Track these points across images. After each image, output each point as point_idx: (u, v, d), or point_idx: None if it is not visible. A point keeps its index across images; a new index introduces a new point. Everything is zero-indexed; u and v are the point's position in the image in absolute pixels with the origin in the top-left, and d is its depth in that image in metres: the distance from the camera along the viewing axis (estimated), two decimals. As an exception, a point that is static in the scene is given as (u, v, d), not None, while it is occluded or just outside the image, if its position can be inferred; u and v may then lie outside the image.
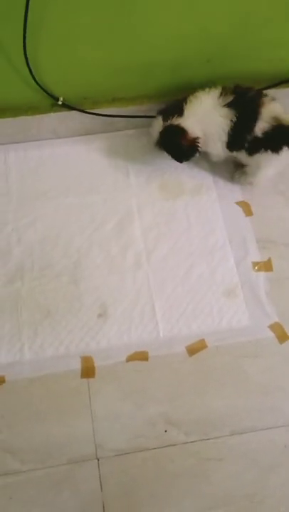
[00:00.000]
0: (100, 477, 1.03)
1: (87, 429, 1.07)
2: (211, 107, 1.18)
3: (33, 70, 1.16)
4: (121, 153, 1.36)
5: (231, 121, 1.17)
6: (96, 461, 1.05)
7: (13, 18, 1.03)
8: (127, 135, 1.40)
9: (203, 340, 1.16)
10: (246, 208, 1.34)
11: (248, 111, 1.17)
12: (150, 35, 1.17)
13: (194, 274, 1.25)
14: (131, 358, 1.14)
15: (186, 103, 1.20)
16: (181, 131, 1.20)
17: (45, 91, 1.23)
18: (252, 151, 1.21)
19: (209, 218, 1.33)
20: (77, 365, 1.13)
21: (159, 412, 1.10)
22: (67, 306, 1.18)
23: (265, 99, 1.18)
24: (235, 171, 1.36)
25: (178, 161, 1.28)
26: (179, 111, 1.19)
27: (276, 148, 1.19)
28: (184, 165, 1.36)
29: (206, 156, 1.31)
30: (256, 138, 1.18)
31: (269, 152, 1.20)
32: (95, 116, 1.32)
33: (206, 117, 1.19)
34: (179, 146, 1.22)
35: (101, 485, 1.03)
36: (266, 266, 1.25)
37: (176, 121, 1.19)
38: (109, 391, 1.11)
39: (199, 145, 1.22)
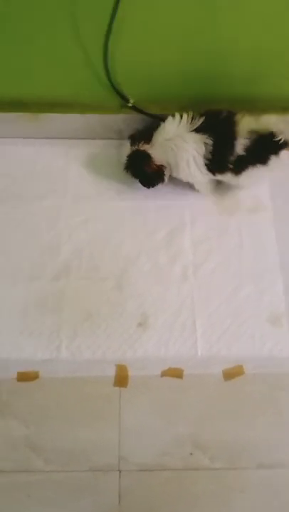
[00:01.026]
0: (119, 489, 1.02)
1: (113, 438, 1.06)
2: (178, 134, 1.16)
3: (109, 69, 1.15)
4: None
5: (206, 144, 1.14)
6: (118, 472, 1.03)
7: (100, 15, 1.02)
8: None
9: (241, 366, 1.13)
10: (302, 234, 1.29)
11: (223, 132, 1.14)
12: (229, 43, 1.14)
13: (240, 295, 1.21)
14: (165, 374, 1.12)
15: (155, 130, 1.19)
16: (146, 158, 1.19)
17: (118, 91, 1.22)
18: (239, 170, 1.19)
19: (262, 239, 1.29)
20: (111, 372, 1.12)
21: (187, 432, 1.07)
22: (109, 311, 1.17)
23: (238, 117, 1.15)
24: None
25: (144, 186, 1.27)
26: (148, 137, 1.19)
27: (263, 160, 1.16)
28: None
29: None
30: (240, 156, 1.15)
31: (258, 166, 1.17)
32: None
33: (173, 144, 1.17)
34: (144, 172, 1.21)
35: (120, 498, 1.01)
36: (316, 298, 1.21)
37: (143, 147, 1.19)
38: (139, 403, 1.09)
39: (164, 173, 1.20)
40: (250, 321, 1.18)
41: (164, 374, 1.12)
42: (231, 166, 1.18)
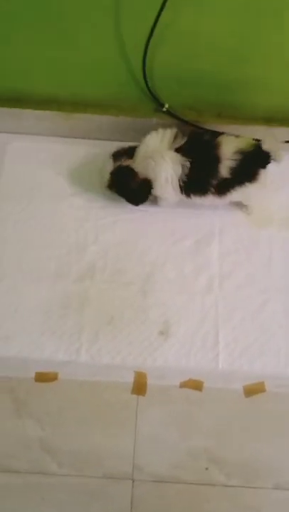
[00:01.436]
0: (132, 499, 1.01)
1: (128, 446, 1.05)
2: (158, 150, 1.14)
3: (146, 73, 1.14)
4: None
5: (184, 166, 1.12)
6: (131, 481, 1.02)
7: (143, 19, 1.01)
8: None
9: (262, 383, 1.11)
10: None
11: (205, 156, 1.12)
12: (271, 54, 1.12)
13: (266, 311, 1.19)
14: (185, 385, 1.10)
15: (138, 145, 1.17)
16: (131, 173, 1.16)
17: (153, 95, 1.21)
18: (223, 192, 1.17)
19: (292, 256, 1.26)
20: (130, 379, 1.10)
21: (203, 446, 1.06)
22: (132, 317, 1.16)
23: (221, 139, 1.13)
24: None
25: (132, 203, 1.24)
26: (131, 153, 1.17)
27: (252, 177, 1.15)
28: (276, 195, 1.30)
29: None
30: (225, 179, 1.13)
31: (246, 184, 1.15)
32: (196, 128, 1.28)
33: (152, 160, 1.14)
34: (129, 188, 1.19)
35: (132, 507, 1.00)
36: None
37: (126, 162, 1.16)
38: (156, 413, 1.08)
39: (151, 187, 1.18)
40: (275, 337, 1.16)
41: (183, 385, 1.10)
42: (213, 190, 1.16)
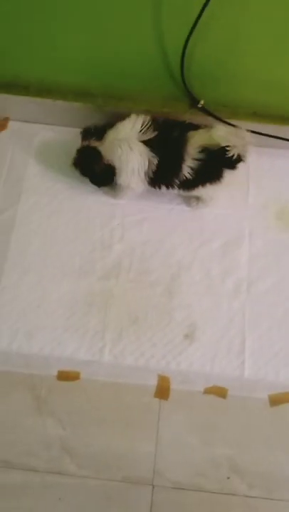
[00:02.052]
0: (151, 505, 0.99)
1: (149, 451, 1.03)
2: (128, 138, 1.09)
3: (184, 67, 1.10)
4: (245, 170, 1.27)
5: (151, 161, 1.09)
6: (151, 487, 1.00)
7: (185, 15, 0.98)
8: (257, 152, 1.29)
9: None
10: None
11: (171, 153, 1.08)
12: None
13: (293, 318, 1.16)
14: (209, 391, 1.08)
15: (110, 128, 1.12)
16: (97, 156, 1.12)
17: (189, 91, 1.17)
18: (187, 189, 1.14)
19: None
20: (153, 382, 1.08)
21: (225, 455, 1.03)
22: (156, 318, 1.14)
23: (190, 134, 1.09)
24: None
25: (95, 185, 1.21)
26: (101, 134, 1.12)
27: (215, 178, 1.11)
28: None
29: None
30: (187, 179, 1.10)
31: (208, 185, 1.12)
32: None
33: (120, 148, 1.09)
34: (92, 170, 1.15)
35: (151, 513, 0.98)
36: None
37: (94, 143, 1.11)
38: (179, 418, 1.06)
39: (114, 173, 1.13)
40: (301, 346, 1.13)
41: (207, 391, 1.08)
42: (177, 186, 1.14)
